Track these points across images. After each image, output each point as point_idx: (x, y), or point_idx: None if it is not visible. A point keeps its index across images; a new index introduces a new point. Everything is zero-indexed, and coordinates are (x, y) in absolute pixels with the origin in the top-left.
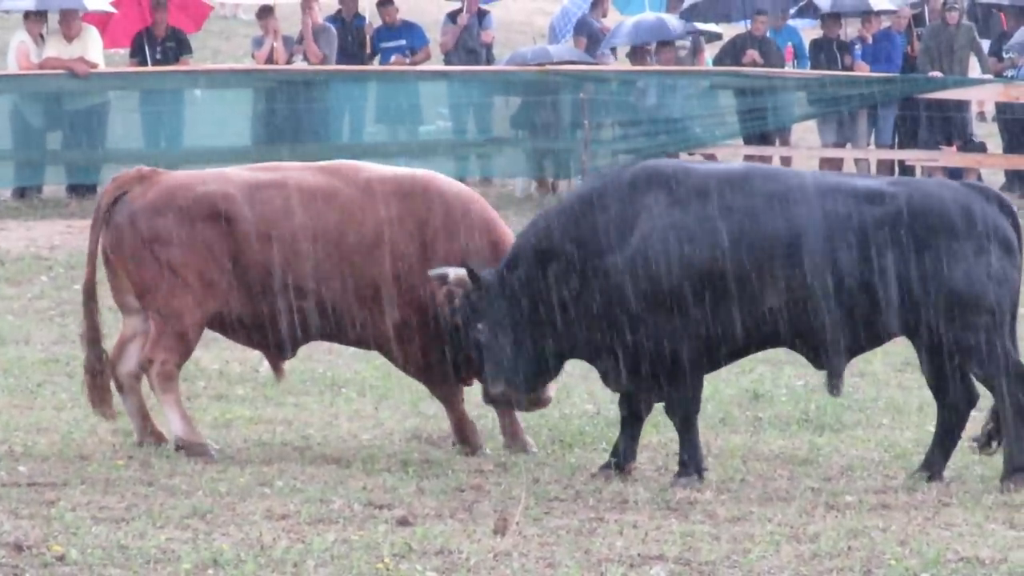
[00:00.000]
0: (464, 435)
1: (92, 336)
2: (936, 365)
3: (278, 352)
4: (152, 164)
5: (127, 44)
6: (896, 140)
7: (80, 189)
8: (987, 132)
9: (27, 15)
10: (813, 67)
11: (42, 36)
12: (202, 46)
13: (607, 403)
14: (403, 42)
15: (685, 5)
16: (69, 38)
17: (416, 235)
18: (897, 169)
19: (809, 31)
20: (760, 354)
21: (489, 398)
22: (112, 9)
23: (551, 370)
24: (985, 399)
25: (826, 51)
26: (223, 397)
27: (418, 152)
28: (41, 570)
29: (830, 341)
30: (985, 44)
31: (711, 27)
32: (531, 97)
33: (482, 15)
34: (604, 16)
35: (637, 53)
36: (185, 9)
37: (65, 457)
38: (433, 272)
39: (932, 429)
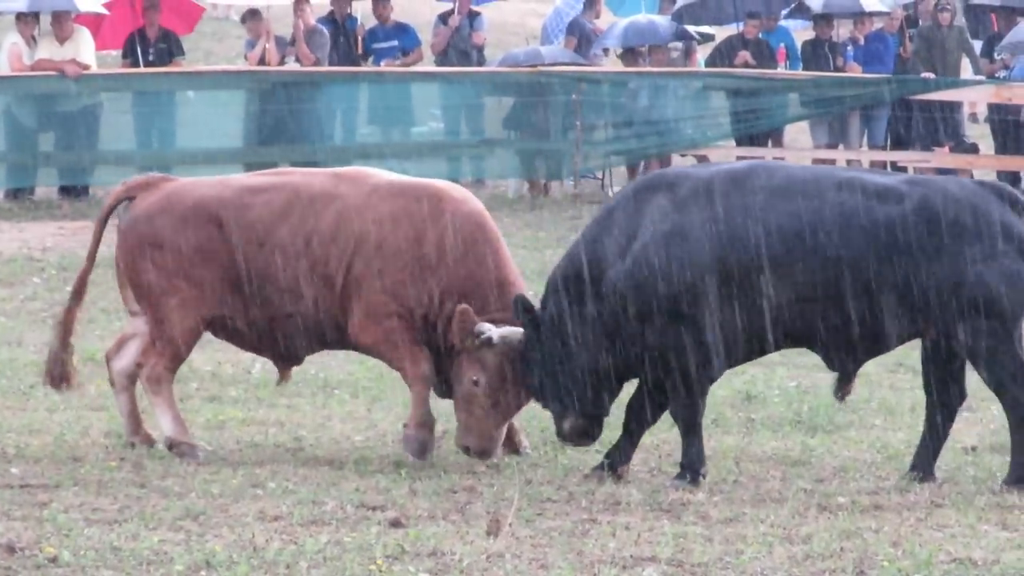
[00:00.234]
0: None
1: (65, 326)
2: (938, 364)
3: (286, 360)
4: (144, 166)
5: (119, 46)
6: (888, 141)
7: (72, 191)
8: (979, 133)
9: (19, 17)
10: (805, 68)
11: (34, 38)
12: (194, 48)
13: None
14: (395, 43)
15: (677, 6)
16: (61, 40)
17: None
18: (889, 170)
19: (801, 32)
20: None
21: (564, 435)
22: (104, 11)
23: (612, 391)
24: (985, 401)
25: (818, 52)
26: (216, 399)
27: (411, 153)
28: (34, 572)
29: (842, 342)
30: (977, 45)
31: (703, 28)
32: (523, 98)
33: (473, 16)
34: (597, 17)
35: (629, 54)
36: (177, 11)
37: (58, 459)
38: (479, 330)
39: None
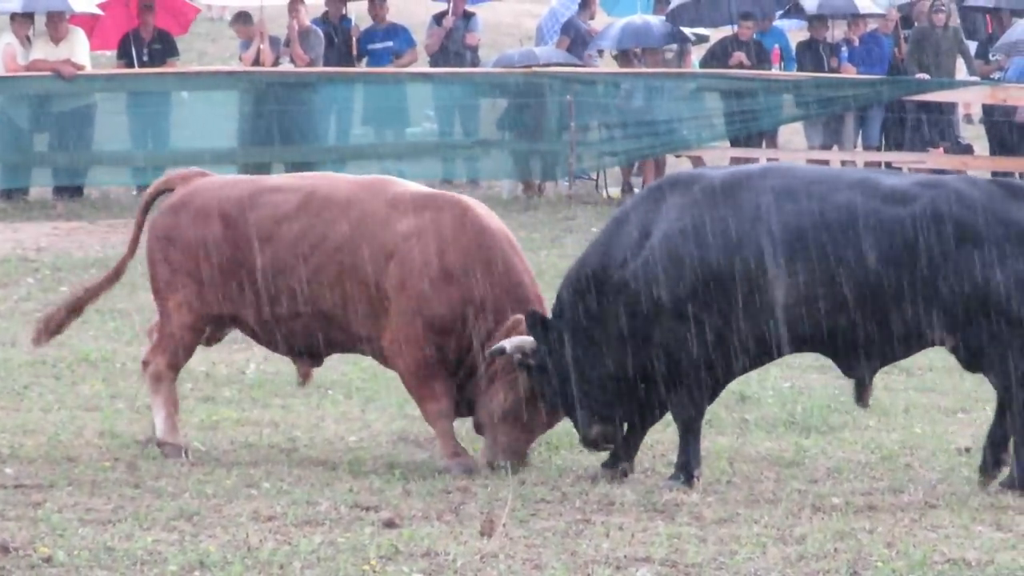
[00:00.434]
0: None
1: (88, 294)
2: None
3: (308, 361)
4: (137, 166)
5: (114, 46)
6: (883, 142)
7: (67, 191)
8: (974, 134)
9: (13, 17)
10: (800, 69)
11: (29, 38)
12: (189, 48)
13: None
14: (390, 44)
15: (671, 7)
16: (56, 40)
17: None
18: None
19: (796, 33)
20: None
21: (588, 442)
22: (99, 11)
23: (631, 394)
24: (979, 402)
25: (813, 53)
26: (210, 399)
27: (405, 154)
28: (28, 572)
29: (856, 347)
30: (971, 46)
31: (698, 30)
32: (518, 99)
33: (468, 17)
34: (592, 18)
35: (624, 55)
36: (172, 11)
37: (52, 459)
38: (493, 349)
39: (919, 431)
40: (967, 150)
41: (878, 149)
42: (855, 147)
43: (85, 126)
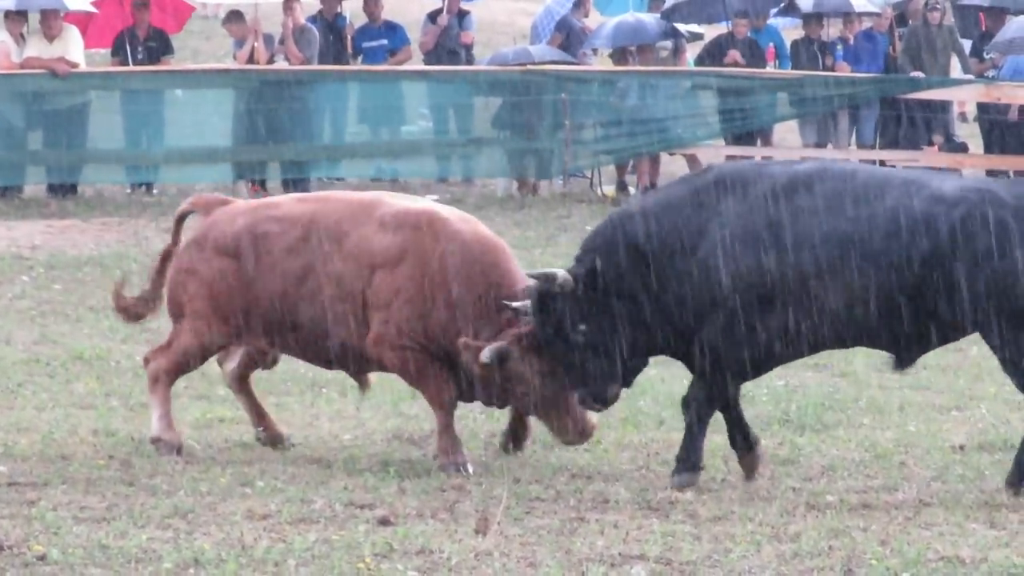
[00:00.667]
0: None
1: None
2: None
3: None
4: (132, 164)
5: (108, 44)
6: (877, 140)
7: (61, 189)
8: (968, 132)
9: (7, 15)
10: (794, 67)
11: (23, 36)
12: (183, 46)
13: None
14: (385, 42)
15: (666, 5)
16: (50, 38)
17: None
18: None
19: (791, 31)
20: None
21: (607, 400)
22: (93, 9)
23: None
24: (974, 400)
25: (807, 51)
26: (205, 397)
27: (399, 152)
28: (22, 570)
29: (901, 339)
30: (966, 44)
31: (692, 27)
32: (512, 97)
33: (463, 15)
34: (586, 16)
35: (619, 53)
36: (167, 9)
37: (46, 457)
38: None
39: (913, 429)
40: (961, 148)
41: (872, 147)
42: (849, 145)
43: (79, 124)
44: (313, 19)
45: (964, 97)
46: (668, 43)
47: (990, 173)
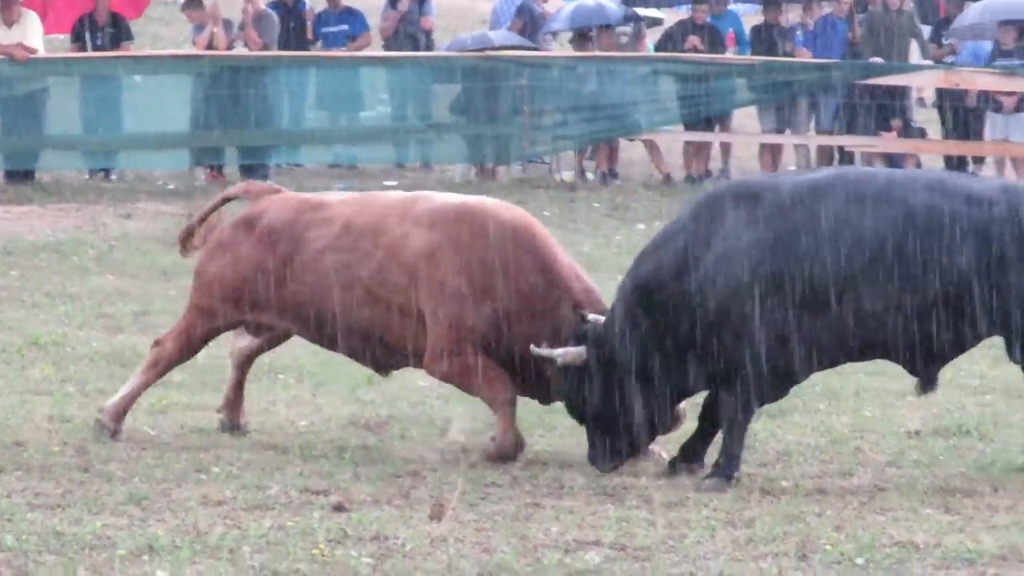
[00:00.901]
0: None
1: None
2: None
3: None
4: (90, 150)
5: (67, 30)
6: (836, 126)
7: (18, 175)
8: (927, 118)
9: None
10: (754, 53)
11: None
12: (142, 32)
13: None
14: (344, 27)
15: None
16: (8, 23)
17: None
18: (837, 155)
19: (750, 17)
20: None
21: (601, 470)
22: None
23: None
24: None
25: (767, 37)
26: (160, 383)
27: (358, 138)
28: None
29: (922, 348)
30: (925, 30)
31: (652, 12)
32: (471, 83)
33: (423, 1)
34: (546, 1)
35: (579, 39)
36: None
37: (0, 443)
38: (544, 355)
39: (868, 414)
40: (920, 134)
41: (831, 133)
42: (808, 131)
43: (37, 110)
44: (273, 5)
45: (923, 83)
46: (628, 28)
47: (948, 159)
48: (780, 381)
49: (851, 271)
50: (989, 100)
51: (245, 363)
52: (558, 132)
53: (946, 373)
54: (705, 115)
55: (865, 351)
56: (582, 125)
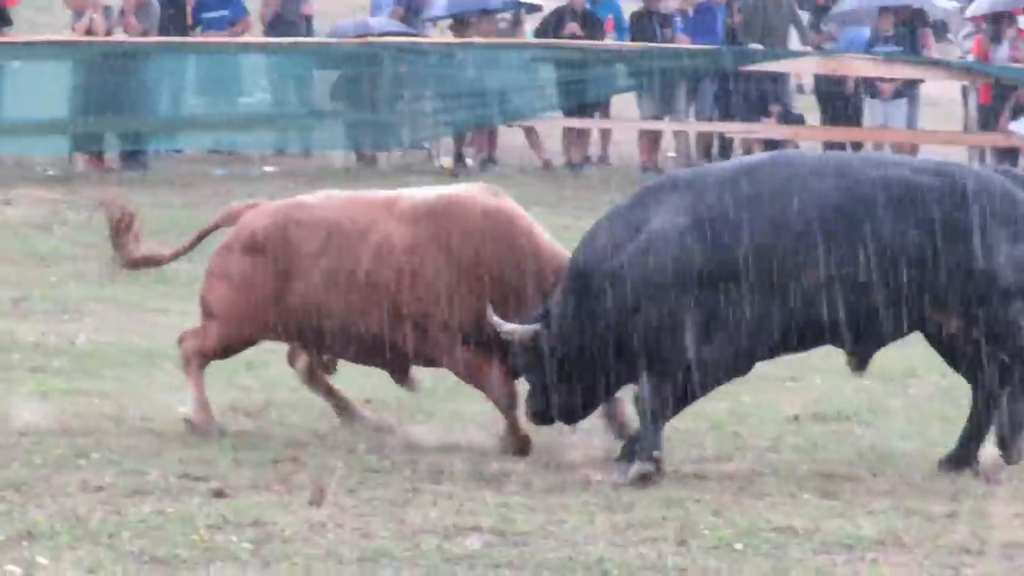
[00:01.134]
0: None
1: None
2: (972, 350)
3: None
4: None
5: None
6: (715, 112)
7: None
8: (806, 104)
9: None
10: (633, 39)
11: None
12: (21, 18)
13: (426, 372)
14: (224, 13)
15: None
16: None
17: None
18: (716, 142)
19: (629, 3)
20: None
21: (533, 420)
22: None
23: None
24: (808, 372)
25: (646, 23)
26: (39, 369)
27: (238, 124)
28: None
29: (862, 326)
30: (804, 16)
31: None
32: (351, 70)
33: None
34: None
35: (460, 25)
36: None
37: None
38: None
39: (747, 400)
40: (799, 120)
41: (710, 119)
42: (688, 118)
43: None
44: None
45: (802, 69)
46: (507, 14)
47: (827, 145)
48: (709, 370)
49: (786, 251)
50: (867, 86)
51: (315, 378)
52: (438, 118)
53: (824, 359)
54: (584, 101)
55: (803, 336)
56: (462, 111)
